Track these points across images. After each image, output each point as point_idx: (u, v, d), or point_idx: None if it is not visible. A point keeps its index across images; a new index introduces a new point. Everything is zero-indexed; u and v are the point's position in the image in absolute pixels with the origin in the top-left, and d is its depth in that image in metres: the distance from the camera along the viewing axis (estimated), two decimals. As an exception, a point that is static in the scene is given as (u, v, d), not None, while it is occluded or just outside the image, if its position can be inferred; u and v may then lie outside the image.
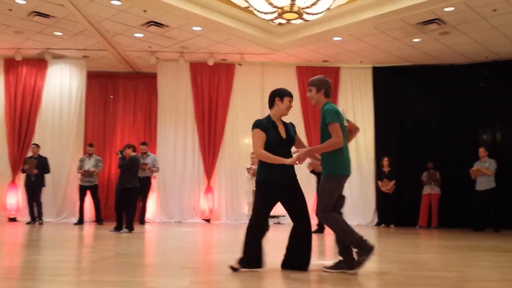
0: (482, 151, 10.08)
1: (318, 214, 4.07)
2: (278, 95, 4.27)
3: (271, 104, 4.29)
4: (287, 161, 4.07)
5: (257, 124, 4.20)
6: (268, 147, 4.12)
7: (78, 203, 10.64)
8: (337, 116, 4.06)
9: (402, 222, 10.82)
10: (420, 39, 9.82)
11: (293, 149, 4.29)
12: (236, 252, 5.77)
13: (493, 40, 9.68)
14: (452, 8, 8.27)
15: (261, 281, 3.76)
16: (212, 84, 11.66)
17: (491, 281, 3.86)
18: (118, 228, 8.34)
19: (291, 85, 11.66)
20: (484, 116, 10.99)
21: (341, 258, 4.04)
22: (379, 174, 11.08)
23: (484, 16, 8.56)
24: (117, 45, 10.51)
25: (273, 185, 4.08)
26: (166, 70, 11.73)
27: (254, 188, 9.43)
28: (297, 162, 4.07)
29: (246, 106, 11.66)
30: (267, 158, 4.12)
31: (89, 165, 10.57)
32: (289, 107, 4.26)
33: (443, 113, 11.30)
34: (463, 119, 11.11)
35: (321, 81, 4.24)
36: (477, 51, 10.38)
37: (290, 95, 4.29)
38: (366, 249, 3.93)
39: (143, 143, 11.01)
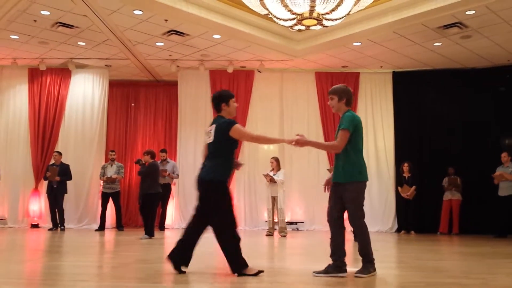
0: (504, 156, 9.93)
1: (353, 221, 4.25)
2: (223, 101, 4.36)
3: (219, 109, 4.37)
4: (286, 140, 4.29)
5: (235, 121, 4.27)
6: (234, 147, 4.25)
7: (99, 209, 10.78)
8: (355, 126, 4.17)
9: (422, 229, 10.67)
10: (441, 43, 9.72)
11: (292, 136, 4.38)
12: (254, 257, 5.79)
13: (515, 43, 9.53)
14: (473, 12, 8.18)
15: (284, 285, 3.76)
16: (231, 91, 11.70)
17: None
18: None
19: (310, 90, 11.70)
20: (506, 120, 10.79)
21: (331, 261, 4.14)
22: (399, 180, 10.96)
23: (506, 19, 8.43)
24: (139, 54, 10.68)
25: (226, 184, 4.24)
26: (186, 78, 11.86)
27: (274, 195, 9.41)
28: (294, 143, 4.21)
29: (265, 113, 11.70)
30: (269, 139, 4.61)
31: (111, 172, 10.72)
32: (236, 107, 4.44)
33: (464, 117, 11.13)
34: (485, 123, 10.92)
35: (343, 91, 4.34)
36: (499, 55, 10.23)
37: (232, 96, 4.47)
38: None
39: (163, 150, 11.14)
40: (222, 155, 4.22)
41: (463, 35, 9.23)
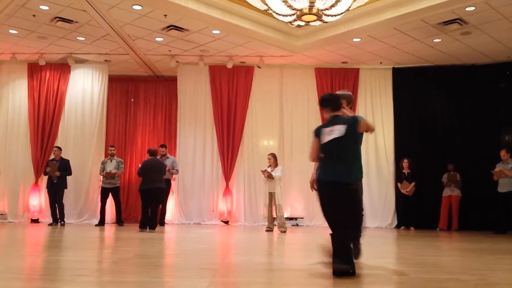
0: (504, 154, 9.93)
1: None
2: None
3: (338, 108, 4.25)
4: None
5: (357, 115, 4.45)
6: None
7: (99, 204, 10.79)
8: None
9: (422, 225, 10.69)
10: (440, 40, 9.71)
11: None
12: (254, 253, 5.80)
13: (516, 39, 9.52)
14: (473, 8, 8.16)
15: (280, 283, 3.77)
16: (231, 87, 11.73)
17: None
18: (151, 227, 8.92)
19: (310, 86, 11.68)
20: (506, 117, 10.80)
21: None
22: (399, 176, 10.97)
23: (506, 16, 8.42)
24: (138, 49, 10.66)
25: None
26: (185, 73, 11.85)
27: (271, 191, 9.50)
28: None
29: (264, 108, 11.70)
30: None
31: (110, 167, 10.72)
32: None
33: (464, 114, 11.14)
34: (484, 120, 10.92)
35: (351, 97, 4.73)
36: (499, 51, 10.21)
37: None
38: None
39: (162, 145, 11.15)
40: (355, 155, 4.34)
41: (463, 32, 9.21)
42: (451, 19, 8.66)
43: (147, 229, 8.79)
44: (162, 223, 10.80)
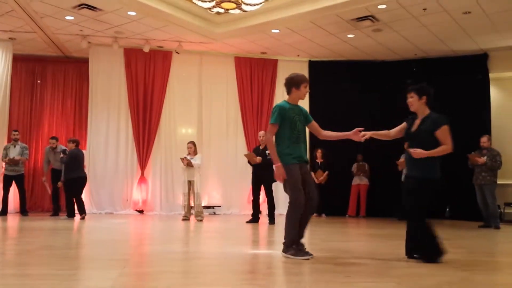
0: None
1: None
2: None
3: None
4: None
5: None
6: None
7: (1, 193, 10.04)
8: None
9: (333, 212, 11.17)
10: (354, 35, 10.09)
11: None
12: (169, 242, 5.70)
13: (422, 38, 10.12)
14: (384, 6, 8.54)
15: (195, 273, 3.73)
16: (147, 72, 11.37)
17: (415, 267, 4.06)
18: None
19: (229, 75, 11.66)
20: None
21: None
22: (313, 165, 11.33)
23: (415, 15, 8.92)
24: (46, 28, 9.98)
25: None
26: (98, 55, 11.28)
27: (190, 179, 9.50)
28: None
29: (183, 95, 11.50)
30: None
31: (14, 153, 10.00)
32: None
33: (374, 108, 11.68)
34: (392, 113, 11.52)
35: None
36: (407, 48, 10.82)
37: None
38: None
39: (53, 138, 10.55)
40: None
41: (374, 28, 9.64)
42: (364, 16, 9.01)
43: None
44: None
